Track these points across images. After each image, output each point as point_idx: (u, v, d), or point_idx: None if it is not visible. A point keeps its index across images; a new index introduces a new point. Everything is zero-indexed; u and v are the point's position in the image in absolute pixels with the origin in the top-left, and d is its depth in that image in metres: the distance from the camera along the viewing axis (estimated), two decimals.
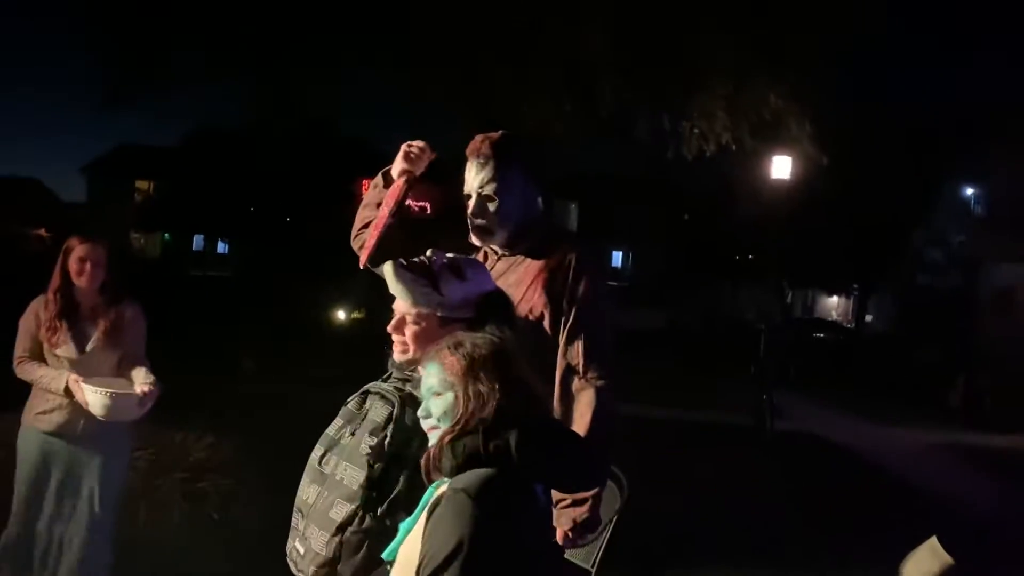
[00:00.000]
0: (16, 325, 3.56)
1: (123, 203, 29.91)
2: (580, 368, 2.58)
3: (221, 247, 33.70)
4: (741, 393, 10.82)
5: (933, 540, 2.45)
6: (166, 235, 33.20)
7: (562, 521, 2.48)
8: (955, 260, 23.71)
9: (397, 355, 2.11)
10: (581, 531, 2.61)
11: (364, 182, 2.88)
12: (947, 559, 2.38)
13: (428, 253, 2.16)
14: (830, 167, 8.81)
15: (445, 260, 2.13)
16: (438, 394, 1.76)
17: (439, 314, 2.05)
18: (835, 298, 32.73)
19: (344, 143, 21.35)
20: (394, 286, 2.09)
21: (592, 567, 3.50)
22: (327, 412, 2.22)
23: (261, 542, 4.10)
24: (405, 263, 2.10)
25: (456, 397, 1.73)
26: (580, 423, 2.49)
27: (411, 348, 2.07)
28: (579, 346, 2.59)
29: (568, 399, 2.57)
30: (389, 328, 2.12)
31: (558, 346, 2.60)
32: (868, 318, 27.52)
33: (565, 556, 2.73)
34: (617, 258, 31.44)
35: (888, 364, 16.66)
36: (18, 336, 3.50)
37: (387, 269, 2.09)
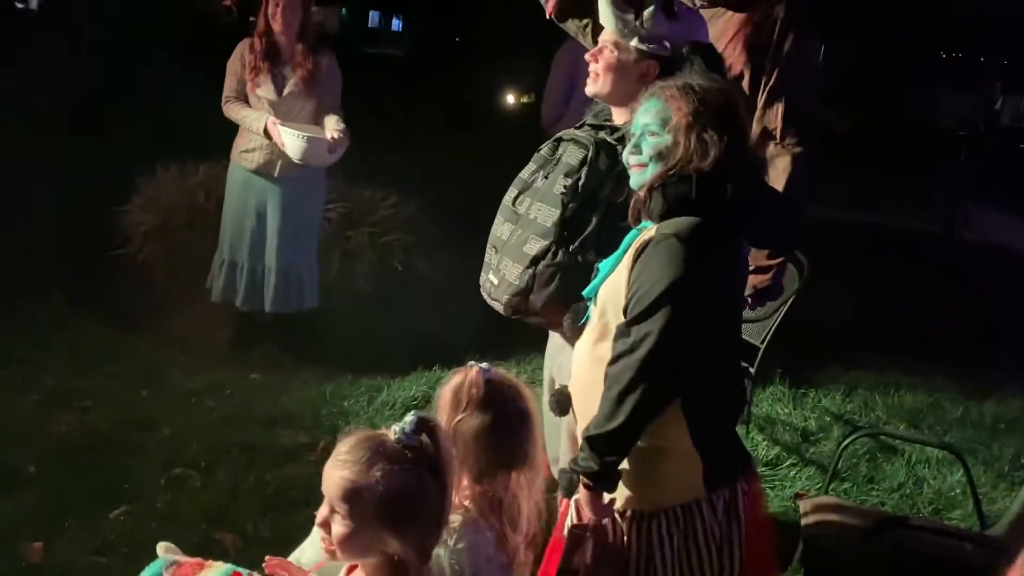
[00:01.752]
0: (211, 88, 3.78)
1: None
2: (777, 132, 2.47)
3: (396, 24, 33.72)
4: (933, 201, 10.14)
5: None
6: (343, 9, 33.44)
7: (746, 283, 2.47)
8: None
9: (588, 85, 2.09)
10: (761, 298, 2.61)
11: None
12: None
13: None
14: None
15: None
16: (654, 134, 1.70)
17: (634, 45, 1.98)
18: None
19: None
20: (602, 10, 2.04)
21: (762, 344, 3.55)
22: (492, 185, 2.27)
23: (439, 291, 4.43)
24: None
25: (676, 141, 1.67)
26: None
27: (601, 77, 2.04)
28: (778, 109, 2.46)
29: (762, 164, 2.48)
30: (587, 56, 2.09)
31: (755, 108, 2.48)
32: None
33: None
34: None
35: None
36: (226, 77, 3.72)
37: None
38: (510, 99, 15.95)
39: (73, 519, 2.65)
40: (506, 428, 1.67)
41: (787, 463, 3.47)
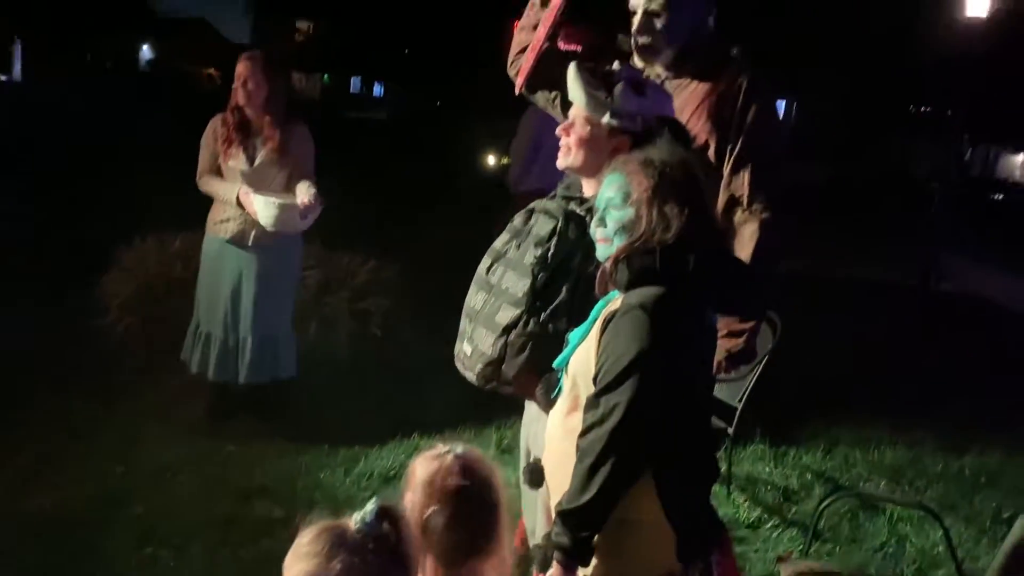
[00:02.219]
0: (192, 161, 3.82)
1: (284, 42, 30.71)
2: (744, 199, 2.51)
3: (377, 90, 34.29)
4: (906, 252, 10.29)
5: None
6: (325, 76, 34.04)
7: (716, 351, 2.49)
8: None
9: (560, 159, 2.14)
10: (735, 362, 2.62)
11: (515, 23, 2.81)
12: None
13: (615, 65, 2.13)
14: None
15: (630, 75, 2.11)
16: (617, 207, 1.74)
17: (605, 121, 2.04)
18: (1021, 157, 29.97)
19: None
20: (572, 87, 2.09)
21: (739, 403, 3.56)
22: (473, 248, 2.30)
23: (418, 356, 4.43)
24: (589, 67, 2.09)
25: (639, 215, 1.71)
26: (742, 255, 2.45)
27: (573, 151, 2.09)
28: (745, 176, 2.50)
29: (730, 231, 2.52)
30: (559, 130, 2.13)
31: (721, 176, 2.53)
32: None
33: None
34: (780, 107, 29.73)
35: None
36: (200, 153, 3.78)
37: (570, 69, 2.10)
38: (491, 161, 16.15)
39: None
40: (477, 519, 1.65)
41: (769, 524, 3.45)
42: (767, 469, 3.97)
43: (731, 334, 2.54)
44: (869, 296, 8.41)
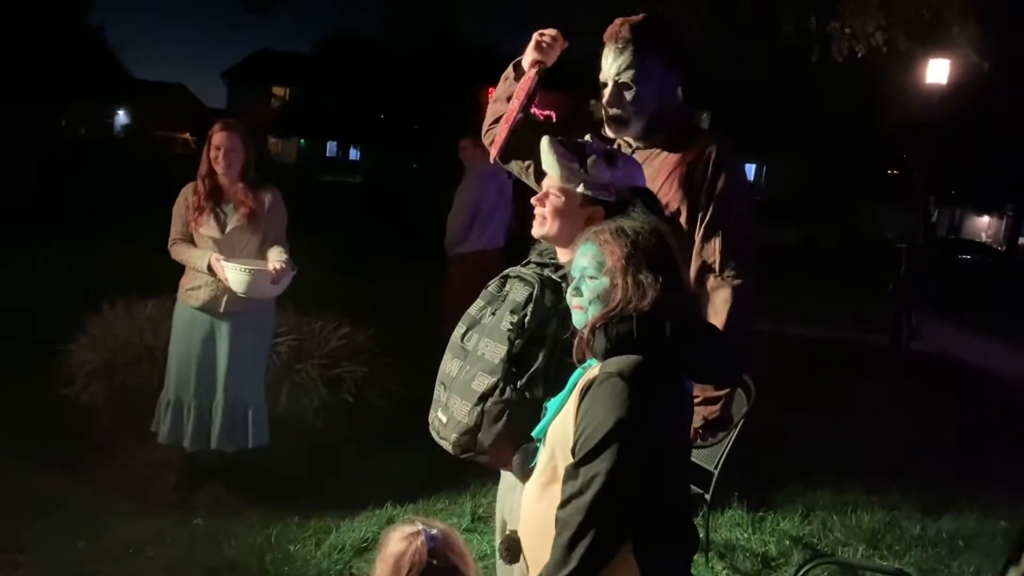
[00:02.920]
0: (163, 226, 3.81)
1: (260, 107, 30.99)
2: (716, 266, 2.53)
3: (353, 154, 34.60)
4: (877, 313, 10.41)
5: None
6: (302, 141, 34.33)
7: (693, 419, 2.48)
8: None
9: (535, 228, 2.15)
10: (711, 429, 2.61)
11: (490, 90, 2.86)
12: None
13: (587, 137, 2.16)
14: (991, 73, 8.06)
15: (603, 147, 2.14)
16: (592, 277, 1.75)
17: (580, 191, 2.06)
18: (986, 218, 30.70)
19: (471, 52, 21.38)
20: (545, 158, 2.11)
21: (715, 469, 3.54)
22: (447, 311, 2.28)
23: (391, 423, 4.37)
24: (561, 139, 2.12)
25: (614, 284, 1.72)
26: (715, 322, 2.45)
27: (548, 221, 2.11)
28: (716, 243, 2.53)
29: (703, 297, 2.54)
30: (533, 200, 2.15)
31: (693, 243, 2.56)
32: (1022, 241, 25.74)
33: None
34: (750, 171, 30.31)
35: None
36: (172, 220, 3.77)
37: (543, 142, 2.12)
38: None
39: None
40: None
41: None
42: (745, 535, 3.93)
43: (707, 401, 2.54)
44: (840, 357, 8.48)
